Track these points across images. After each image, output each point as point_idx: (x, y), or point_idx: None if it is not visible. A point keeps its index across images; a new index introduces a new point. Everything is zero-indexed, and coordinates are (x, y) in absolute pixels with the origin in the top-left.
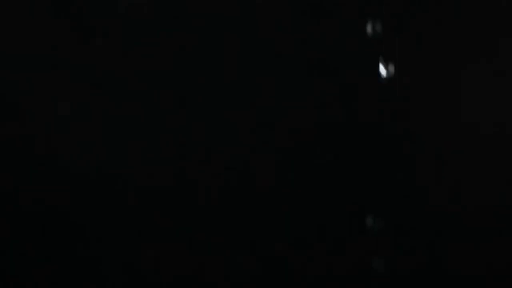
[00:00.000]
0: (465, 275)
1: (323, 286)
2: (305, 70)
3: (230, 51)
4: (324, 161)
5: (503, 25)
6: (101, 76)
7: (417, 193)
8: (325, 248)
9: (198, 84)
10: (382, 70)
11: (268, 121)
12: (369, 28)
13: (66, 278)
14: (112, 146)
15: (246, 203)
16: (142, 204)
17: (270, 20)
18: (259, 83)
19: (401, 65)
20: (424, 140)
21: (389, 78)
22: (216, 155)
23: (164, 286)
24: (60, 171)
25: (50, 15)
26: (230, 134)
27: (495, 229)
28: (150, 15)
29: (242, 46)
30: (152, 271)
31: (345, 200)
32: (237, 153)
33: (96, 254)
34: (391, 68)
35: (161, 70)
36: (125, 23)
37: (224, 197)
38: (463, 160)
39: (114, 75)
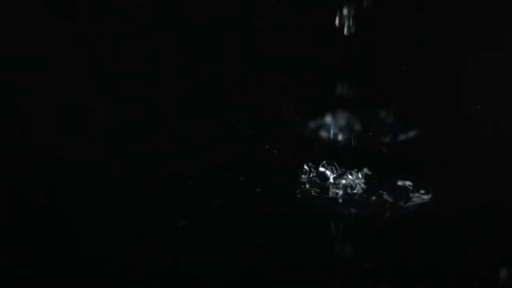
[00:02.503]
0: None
1: None
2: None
3: (230, 51)
4: None
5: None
6: (101, 76)
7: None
8: None
9: (198, 84)
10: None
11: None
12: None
13: (65, 277)
14: (111, 145)
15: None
16: (140, 204)
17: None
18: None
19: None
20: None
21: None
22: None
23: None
24: (61, 170)
25: (50, 15)
26: (230, 133)
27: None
28: (150, 15)
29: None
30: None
31: None
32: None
33: (95, 254)
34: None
35: (161, 70)
36: (125, 23)
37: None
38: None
39: (114, 75)
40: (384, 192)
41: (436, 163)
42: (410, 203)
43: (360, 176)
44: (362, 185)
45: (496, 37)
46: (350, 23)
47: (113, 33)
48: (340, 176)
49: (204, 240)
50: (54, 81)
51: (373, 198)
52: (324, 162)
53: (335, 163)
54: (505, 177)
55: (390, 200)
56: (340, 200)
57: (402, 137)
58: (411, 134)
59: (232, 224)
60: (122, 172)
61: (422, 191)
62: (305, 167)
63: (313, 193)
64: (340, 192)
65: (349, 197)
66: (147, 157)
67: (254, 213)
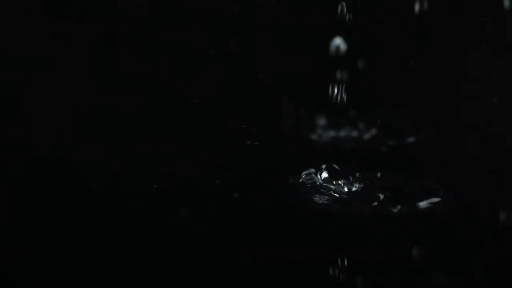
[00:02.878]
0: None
1: None
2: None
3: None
4: None
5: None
6: (101, 76)
7: None
8: None
9: (198, 84)
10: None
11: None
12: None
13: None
14: (112, 145)
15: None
16: (141, 204)
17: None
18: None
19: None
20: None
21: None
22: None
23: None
24: (61, 171)
25: (50, 15)
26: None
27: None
28: (150, 15)
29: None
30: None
31: None
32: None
33: (95, 254)
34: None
35: (161, 70)
36: (125, 23)
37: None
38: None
39: (114, 75)
40: (384, 192)
41: (436, 163)
42: (412, 204)
43: (359, 176)
44: (361, 185)
45: (496, 37)
46: (350, 23)
47: (113, 33)
48: (340, 176)
49: (204, 240)
50: (54, 81)
51: (373, 198)
52: (324, 163)
53: (335, 164)
54: (505, 177)
55: (389, 200)
56: (340, 201)
57: (402, 137)
58: (411, 134)
59: (232, 224)
60: (122, 172)
61: (427, 192)
62: (305, 167)
63: (313, 193)
64: (340, 193)
65: (349, 197)
66: (147, 157)
67: (254, 213)
